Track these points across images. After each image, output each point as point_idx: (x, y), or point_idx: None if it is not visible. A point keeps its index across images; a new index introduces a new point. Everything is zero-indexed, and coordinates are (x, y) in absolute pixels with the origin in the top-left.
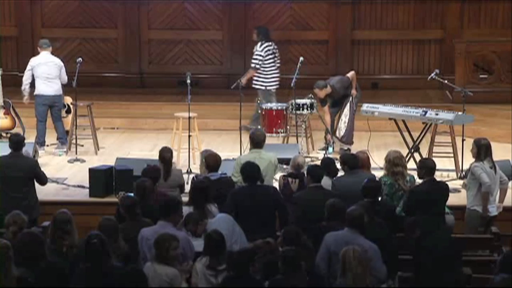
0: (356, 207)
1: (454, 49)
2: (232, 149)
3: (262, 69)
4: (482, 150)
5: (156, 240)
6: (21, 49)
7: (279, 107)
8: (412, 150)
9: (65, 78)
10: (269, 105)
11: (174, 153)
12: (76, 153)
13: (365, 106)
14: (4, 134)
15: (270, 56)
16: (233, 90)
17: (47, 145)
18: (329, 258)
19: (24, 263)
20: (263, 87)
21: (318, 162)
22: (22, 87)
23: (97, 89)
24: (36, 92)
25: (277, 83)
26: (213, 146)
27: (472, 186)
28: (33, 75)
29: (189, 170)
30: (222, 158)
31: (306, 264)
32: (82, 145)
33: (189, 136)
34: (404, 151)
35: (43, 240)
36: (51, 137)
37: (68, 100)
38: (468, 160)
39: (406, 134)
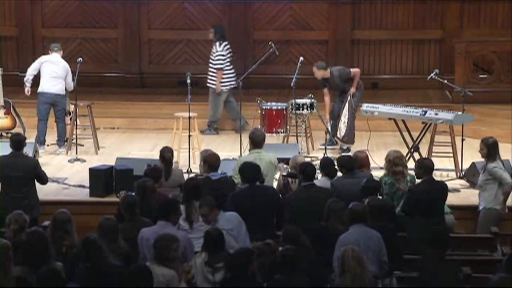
0: (356, 203)
1: (454, 49)
2: (232, 149)
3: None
4: (492, 149)
5: (156, 241)
6: (21, 49)
7: (279, 107)
8: (412, 150)
9: (70, 85)
10: (269, 104)
11: (174, 153)
12: (77, 153)
13: (365, 106)
14: (4, 134)
15: (229, 55)
16: (233, 90)
17: (47, 145)
18: None
19: (28, 262)
20: (215, 86)
21: (318, 162)
22: (26, 78)
23: (97, 89)
24: (39, 90)
25: (232, 82)
26: (213, 146)
27: (489, 187)
28: (39, 72)
29: (189, 169)
30: (222, 158)
31: (305, 264)
32: (83, 145)
33: (189, 136)
34: (404, 151)
35: (48, 240)
36: (51, 137)
37: (72, 107)
38: (467, 160)
39: (406, 134)
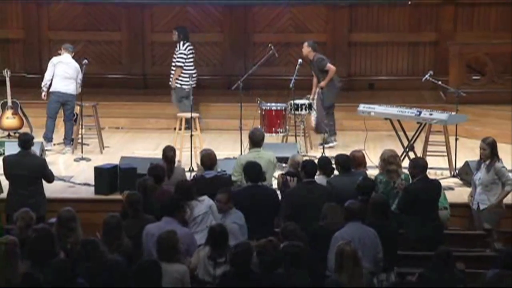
0: (352, 201)
1: (448, 51)
2: (232, 148)
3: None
4: (495, 148)
5: (159, 238)
6: (28, 51)
7: (279, 108)
8: (407, 149)
9: (78, 86)
10: (268, 105)
11: (177, 152)
12: (82, 152)
13: (362, 107)
14: (12, 134)
15: (191, 56)
16: (234, 91)
17: (54, 144)
18: None
19: (34, 258)
20: (179, 85)
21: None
22: (43, 83)
23: (101, 90)
24: (52, 89)
25: (194, 81)
26: (214, 145)
27: (495, 187)
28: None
29: (191, 168)
30: (223, 157)
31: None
32: (88, 144)
33: (191, 135)
34: (399, 150)
35: (54, 236)
36: (58, 137)
37: (77, 108)
38: (461, 159)
39: (401, 133)
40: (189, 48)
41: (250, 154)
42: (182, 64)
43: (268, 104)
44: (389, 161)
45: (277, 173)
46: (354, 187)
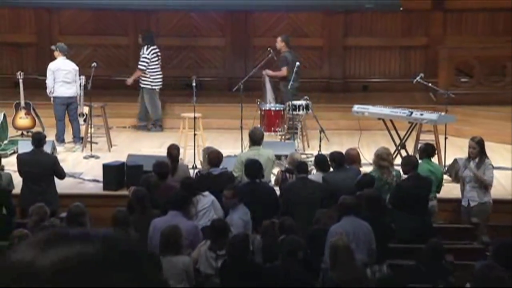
0: (347, 196)
1: (437, 54)
2: (233, 147)
3: (148, 70)
4: (483, 147)
5: (163, 232)
6: (40, 54)
7: (277, 108)
8: (399, 148)
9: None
10: (268, 106)
11: (181, 150)
12: (91, 150)
13: (356, 107)
14: (25, 133)
15: (155, 59)
16: (234, 92)
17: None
18: None
19: None
20: (149, 86)
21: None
22: (48, 91)
23: (109, 92)
24: (55, 94)
25: (161, 83)
26: (216, 143)
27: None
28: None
29: (194, 165)
30: (224, 154)
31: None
32: (97, 143)
33: (195, 134)
34: (392, 149)
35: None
36: (67, 136)
37: (86, 109)
38: (450, 157)
39: (393, 132)
40: (153, 52)
41: (250, 151)
42: (144, 68)
43: (267, 105)
44: (382, 157)
45: (275, 170)
46: (348, 182)
